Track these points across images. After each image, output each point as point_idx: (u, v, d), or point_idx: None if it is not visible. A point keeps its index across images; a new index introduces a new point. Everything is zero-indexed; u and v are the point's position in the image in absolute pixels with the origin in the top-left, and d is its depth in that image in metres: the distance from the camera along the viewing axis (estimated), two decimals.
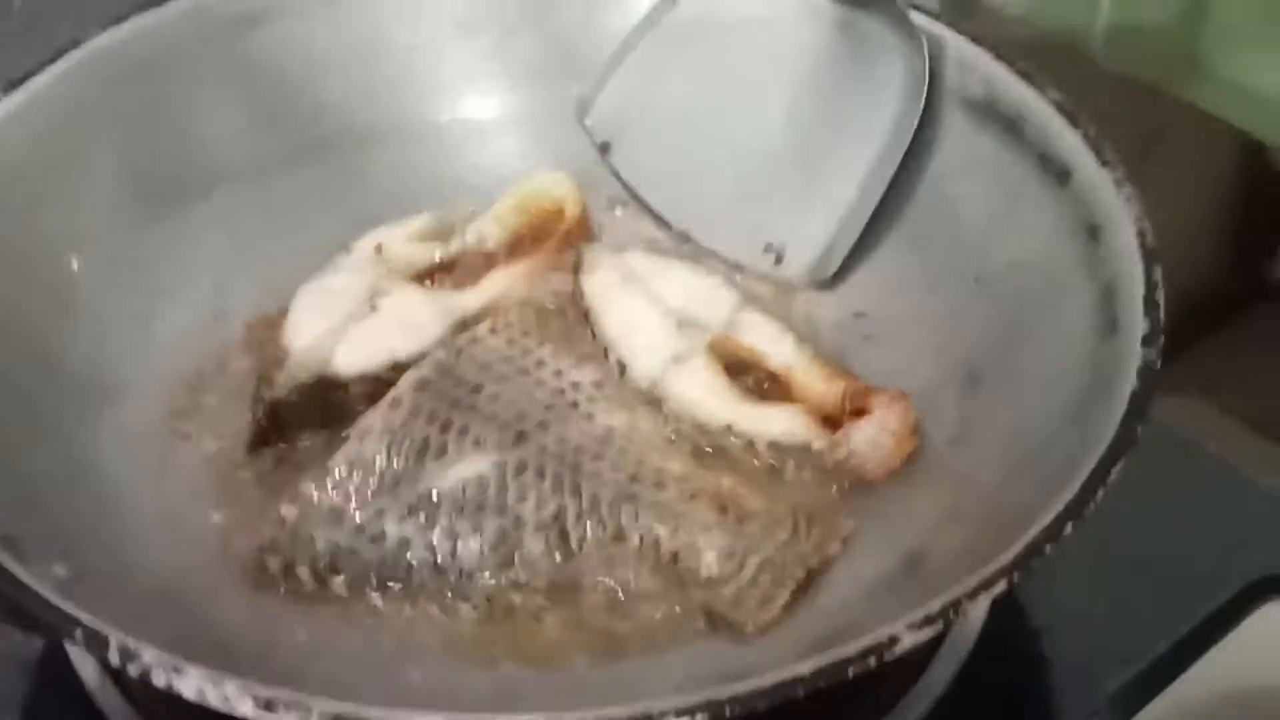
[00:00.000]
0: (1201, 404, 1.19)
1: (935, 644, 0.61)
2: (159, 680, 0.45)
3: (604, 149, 0.73)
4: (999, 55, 0.68)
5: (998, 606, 0.62)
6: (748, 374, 0.65)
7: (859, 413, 0.63)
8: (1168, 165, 1.19)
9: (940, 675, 0.60)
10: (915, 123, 0.66)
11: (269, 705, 0.45)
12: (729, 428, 0.62)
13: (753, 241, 0.70)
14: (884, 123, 0.67)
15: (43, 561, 0.50)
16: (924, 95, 0.66)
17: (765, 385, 0.65)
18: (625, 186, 0.73)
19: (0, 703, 0.60)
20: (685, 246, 0.72)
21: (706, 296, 0.67)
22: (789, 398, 0.64)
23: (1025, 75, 0.66)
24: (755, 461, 0.63)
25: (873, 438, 0.62)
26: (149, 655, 0.46)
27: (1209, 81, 0.91)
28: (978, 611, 0.62)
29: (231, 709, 0.45)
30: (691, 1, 0.71)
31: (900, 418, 0.62)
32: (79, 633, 0.46)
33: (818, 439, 0.62)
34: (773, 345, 0.65)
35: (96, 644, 0.46)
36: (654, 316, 0.66)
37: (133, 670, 0.45)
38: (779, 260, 0.69)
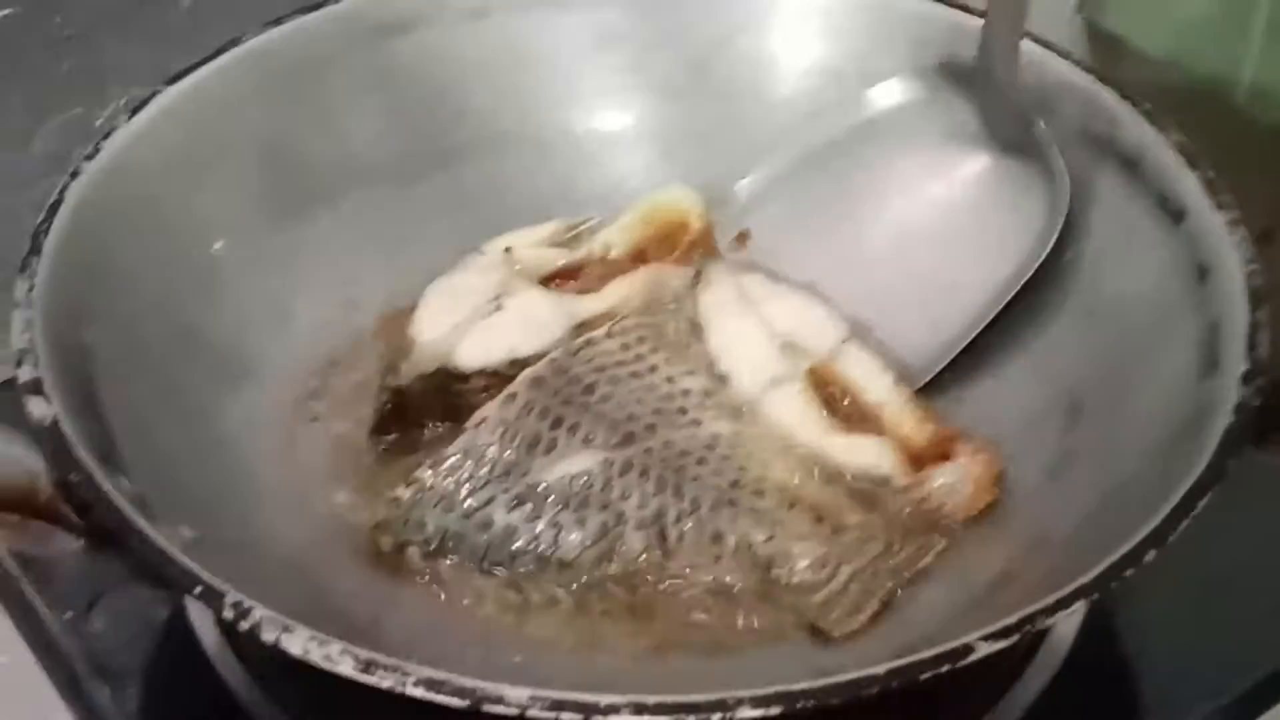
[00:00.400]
0: None
1: (1024, 661, 0.62)
2: (268, 636, 0.48)
3: (741, 237, 0.74)
4: (1123, 94, 0.68)
5: (1090, 627, 0.63)
6: (841, 405, 0.67)
7: (945, 456, 0.64)
8: None
9: (1027, 692, 0.62)
10: (1041, 257, 0.66)
11: (368, 666, 0.47)
12: (816, 454, 0.64)
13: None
14: (1013, 252, 0.67)
15: (170, 523, 0.53)
16: (1056, 233, 0.66)
17: (858, 419, 0.66)
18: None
19: (124, 664, 0.63)
20: None
21: (815, 325, 0.69)
22: (879, 433, 0.65)
23: (1147, 114, 0.67)
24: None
25: (953, 483, 0.63)
26: (259, 613, 0.48)
27: None
28: (1067, 629, 0.63)
29: (334, 667, 0.47)
30: (867, 111, 0.72)
31: (985, 466, 0.63)
32: (198, 588, 0.49)
33: (900, 475, 0.63)
34: (870, 380, 0.67)
35: (212, 599, 0.49)
36: (761, 337, 0.68)
37: (244, 625, 0.48)
38: None
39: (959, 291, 0.68)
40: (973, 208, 0.69)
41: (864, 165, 0.71)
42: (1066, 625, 0.64)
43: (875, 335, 0.69)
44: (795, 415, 0.65)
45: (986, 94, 0.68)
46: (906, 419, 0.66)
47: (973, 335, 0.67)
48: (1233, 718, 0.62)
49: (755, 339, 0.68)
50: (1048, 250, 0.66)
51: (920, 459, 0.64)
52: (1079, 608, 0.50)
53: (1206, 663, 0.64)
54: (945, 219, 0.70)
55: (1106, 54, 1.00)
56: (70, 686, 0.62)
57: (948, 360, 0.68)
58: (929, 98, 0.70)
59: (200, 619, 0.63)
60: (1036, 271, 0.67)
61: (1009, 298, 0.66)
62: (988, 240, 0.68)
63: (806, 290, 0.71)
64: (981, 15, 0.71)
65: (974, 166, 0.69)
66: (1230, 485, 0.66)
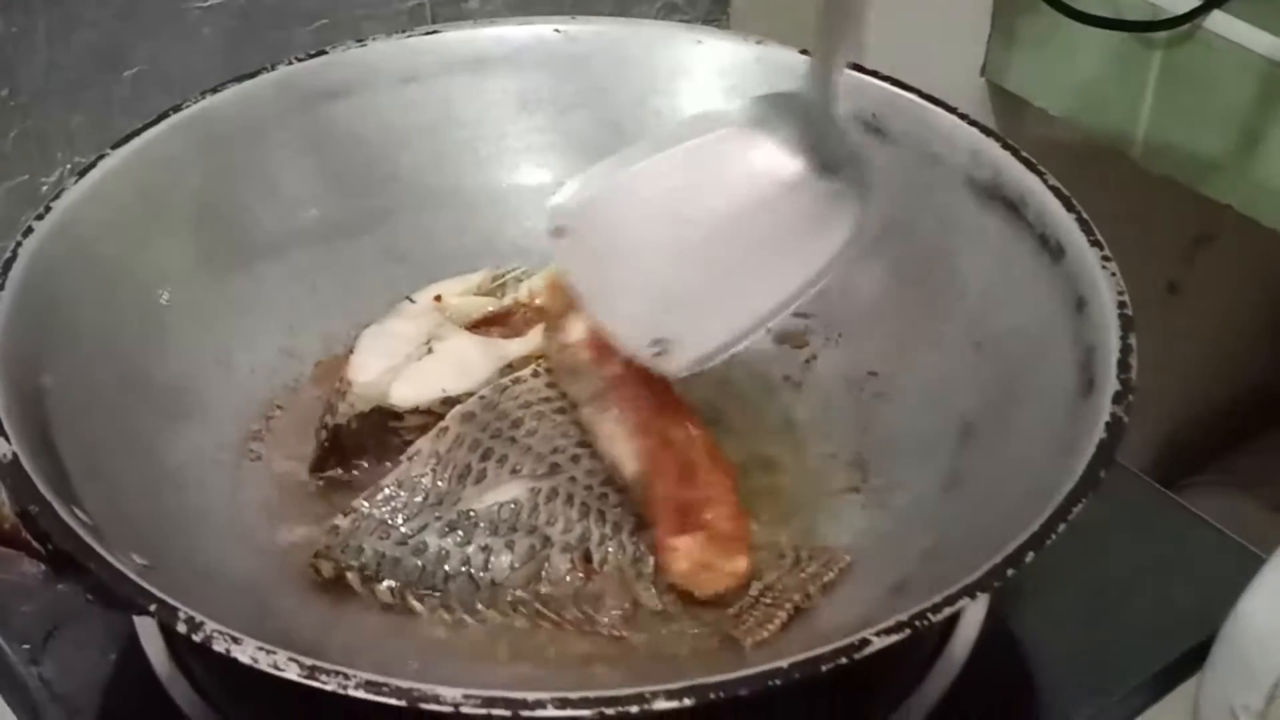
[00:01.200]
0: (1241, 498, 1.24)
1: (926, 667, 0.67)
2: (219, 646, 0.52)
3: (556, 233, 0.71)
4: (1005, 145, 0.74)
5: (987, 637, 0.68)
6: None
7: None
8: (1216, 267, 1.24)
9: (927, 698, 0.66)
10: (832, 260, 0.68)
11: (313, 672, 0.51)
12: None
13: (644, 333, 0.68)
14: (814, 256, 0.68)
15: (123, 551, 0.57)
16: (854, 238, 0.68)
17: None
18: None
19: (80, 691, 0.67)
20: None
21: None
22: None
23: (1027, 162, 0.73)
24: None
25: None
26: (210, 626, 0.52)
27: (1248, 187, 0.95)
28: (966, 637, 0.68)
29: (280, 674, 0.51)
30: (694, 131, 0.73)
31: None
32: (153, 605, 0.53)
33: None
34: None
35: (166, 614, 0.53)
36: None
37: (196, 637, 0.52)
38: (660, 354, 0.67)
39: (750, 297, 0.68)
40: (784, 218, 0.70)
41: (687, 172, 0.72)
42: (966, 633, 0.68)
43: (656, 333, 0.67)
44: None
45: (811, 119, 0.69)
46: None
47: (748, 338, 0.67)
48: (1118, 715, 0.67)
49: None
50: (834, 255, 0.67)
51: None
52: (964, 604, 0.55)
53: (1095, 665, 0.69)
54: (756, 227, 0.71)
55: (1010, 113, 1.06)
56: (29, 712, 0.65)
57: (719, 358, 0.67)
58: (759, 119, 0.71)
59: (153, 647, 0.67)
60: (935, 307, 0.71)
61: (795, 303, 0.68)
62: (795, 247, 0.69)
63: None
64: (873, 74, 0.77)
65: (791, 182, 0.70)
66: (1121, 511, 0.72)
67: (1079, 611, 0.71)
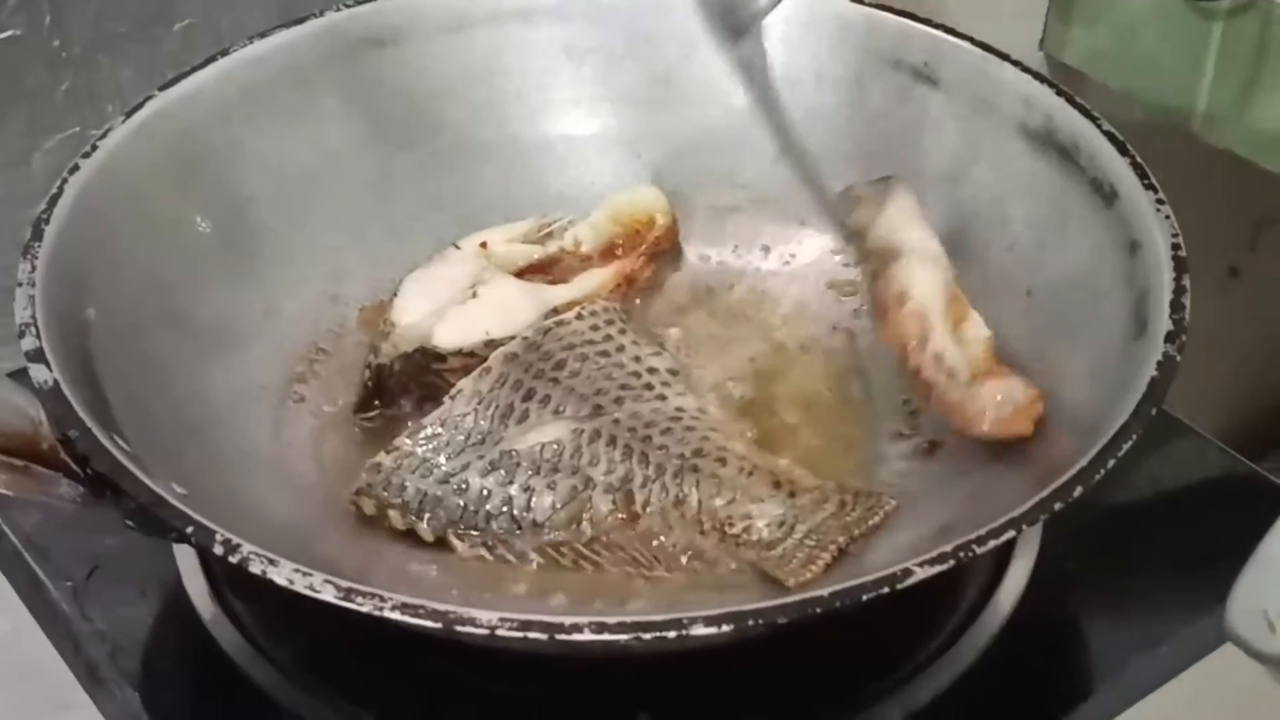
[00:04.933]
0: None
1: (965, 624, 0.66)
2: (255, 568, 0.52)
3: None
4: (1059, 90, 0.73)
5: (1035, 582, 0.67)
6: None
7: None
8: (1278, 252, 1.22)
9: (969, 649, 0.65)
10: None
11: (349, 594, 0.51)
12: None
13: None
14: None
15: (162, 480, 0.56)
16: None
17: None
18: None
19: (124, 627, 0.66)
20: None
21: None
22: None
23: (1080, 108, 0.72)
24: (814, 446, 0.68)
25: (1001, 400, 0.65)
26: (247, 548, 0.52)
27: None
28: (1013, 586, 0.67)
29: (317, 596, 0.51)
30: None
31: (1032, 399, 0.65)
32: (189, 528, 0.53)
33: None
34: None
35: (204, 536, 0.53)
36: None
37: (233, 559, 0.52)
38: None
39: None
40: None
41: None
42: (1016, 576, 0.67)
43: None
44: None
45: None
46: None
47: None
48: (1164, 666, 0.66)
49: None
50: None
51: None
52: (1010, 536, 0.54)
53: (1146, 614, 0.67)
54: None
55: (1069, 88, 1.05)
56: (72, 649, 0.65)
57: None
58: None
59: (195, 586, 0.67)
60: (986, 254, 0.71)
61: None
62: None
63: None
64: (925, 21, 0.76)
65: None
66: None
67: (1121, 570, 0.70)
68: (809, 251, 0.80)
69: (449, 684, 0.63)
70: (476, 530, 0.64)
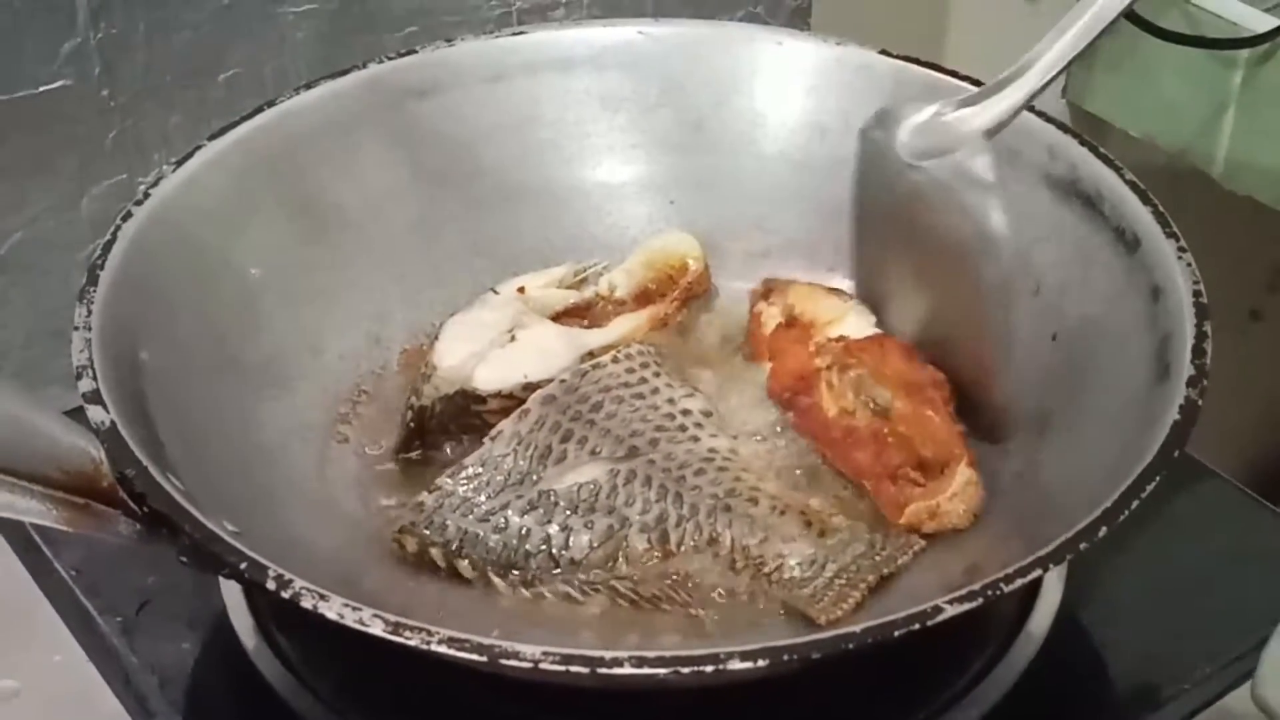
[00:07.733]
0: None
1: (996, 657, 0.67)
2: (306, 603, 0.53)
3: None
4: (1082, 141, 0.75)
5: (1061, 621, 0.68)
6: None
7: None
8: None
9: (1004, 678, 0.67)
10: None
11: (397, 628, 0.53)
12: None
13: None
14: None
15: (214, 518, 0.58)
16: None
17: None
18: None
19: (172, 661, 0.68)
20: None
21: None
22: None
23: (1104, 158, 0.74)
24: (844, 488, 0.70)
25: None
26: (299, 584, 0.54)
27: None
28: (1042, 621, 0.68)
29: (365, 629, 0.53)
30: None
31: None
32: (243, 564, 0.55)
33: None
34: None
35: (257, 572, 0.54)
36: None
37: (285, 594, 0.54)
38: None
39: None
40: None
41: None
42: (1041, 617, 0.69)
43: None
44: None
45: None
46: None
47: None
48: (1195, 701, 0.67)
49: None
50: None
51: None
52: (1037, 575, 0.55)
53: (1170, 654, 0.69)
54: None
55: (1091, 135, 1.07)
56: (121, 682, 0.67)
57: None
58: None
59: (241, 622, 0.69)
60: (1010, 299, 0.72)
61: None
62: None
63: None
64: (951, 73, 0.78)
65: None
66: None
67: (1153, 604, 0.71)
68: None
69: (486, 715, 0.65)
70: (516, 568, 0.66)
